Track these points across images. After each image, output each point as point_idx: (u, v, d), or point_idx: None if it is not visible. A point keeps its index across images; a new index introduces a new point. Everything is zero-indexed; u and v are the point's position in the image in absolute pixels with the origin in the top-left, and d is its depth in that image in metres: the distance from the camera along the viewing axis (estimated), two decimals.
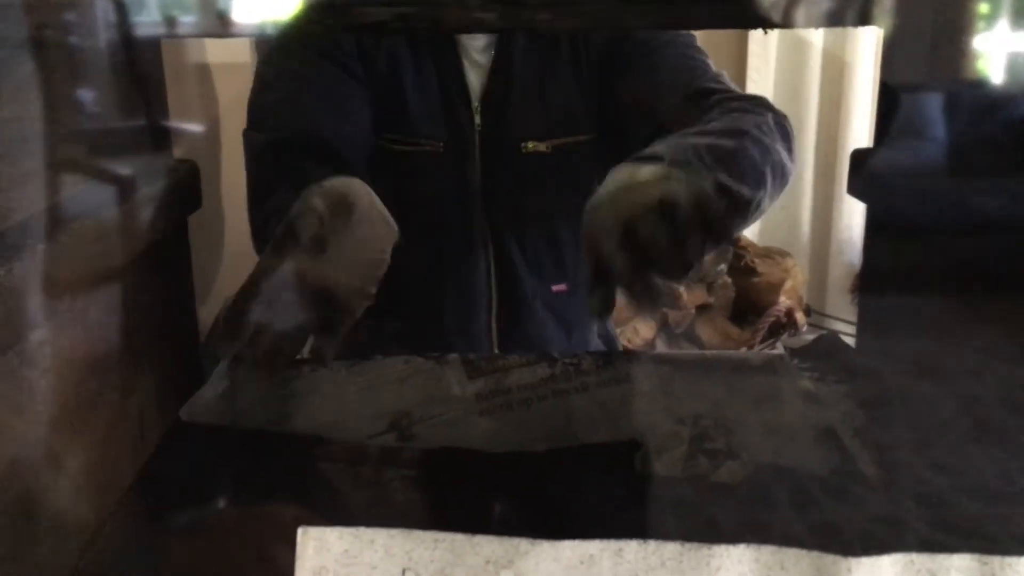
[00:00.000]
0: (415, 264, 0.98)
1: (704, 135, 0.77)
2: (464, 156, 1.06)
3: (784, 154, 0.81)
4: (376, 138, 1.05)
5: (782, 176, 0.81)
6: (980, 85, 0.75)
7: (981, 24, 0.69)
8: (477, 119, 1.05)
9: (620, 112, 1.06)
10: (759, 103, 0.90)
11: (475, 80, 1.06)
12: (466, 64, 1.05)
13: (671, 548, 0.47)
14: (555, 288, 1.12)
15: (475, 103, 1.05)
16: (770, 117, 0.84)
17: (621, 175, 0.71)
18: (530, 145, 1.06)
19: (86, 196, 0.66)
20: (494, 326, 1.11)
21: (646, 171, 0.70)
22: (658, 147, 0.74)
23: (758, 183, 0.75)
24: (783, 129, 0.85)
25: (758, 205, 0.75)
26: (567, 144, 1.07)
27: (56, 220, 0.60)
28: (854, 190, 0.90)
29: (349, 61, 1.02)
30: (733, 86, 0.99)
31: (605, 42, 1.07)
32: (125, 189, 0.71)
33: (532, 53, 1.06)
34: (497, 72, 1.06)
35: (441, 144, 1.05)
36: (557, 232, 1.11)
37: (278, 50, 1.04)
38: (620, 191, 0.69)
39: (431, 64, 1.04)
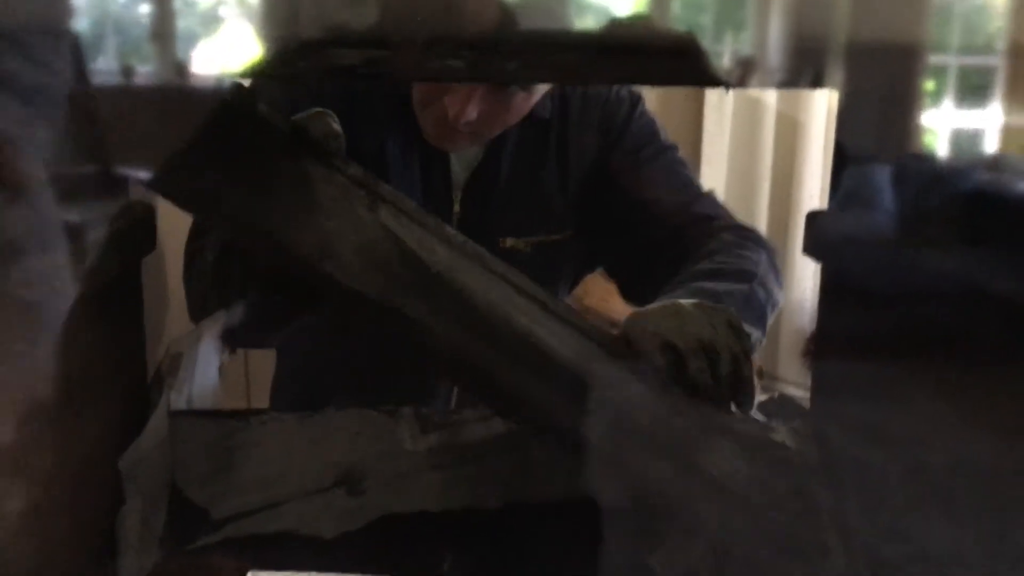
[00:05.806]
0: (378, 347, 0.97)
1: (716, 277, 0.89)
2: None
3: (779, 293, 0.95)
4: None
5: (775, 312, 0.94)
6: (926, 159, 0.77)
7: (928, 100, 0.72)
8: (456, 207, 1.04)
9: (605, 218, 1.07)
10: (754, 239, 1.01)
11: (460, 171, 1.05)
12: (452, 156, 1.04)
13: None
14: None
15: (456, 193, 1.04)
16: (764, 257, 0.96)
17: (666, 301, 0.80)
18: (508, 242, 1.05)
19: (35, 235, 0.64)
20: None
21: (689, 304, 0.79)
22: (679, 293, 0.83)
23: (762, 324, 0.88)
24: (775, 268, 0.97)
25: (760, 342, 0.87)
26: (545, 242, 1.07)
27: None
28: (809, 250, 0.92)
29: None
30: (725, 209, 1.07)
31: (594, 146, 1.07)
32: (74, 229, 0.69)
33: (522, 149, 1.05)
34: (485, 165, 1.04)
35: None
36: None
37: None
38: (666, 311, 0.78)
39: (417, 153, 1.03)
